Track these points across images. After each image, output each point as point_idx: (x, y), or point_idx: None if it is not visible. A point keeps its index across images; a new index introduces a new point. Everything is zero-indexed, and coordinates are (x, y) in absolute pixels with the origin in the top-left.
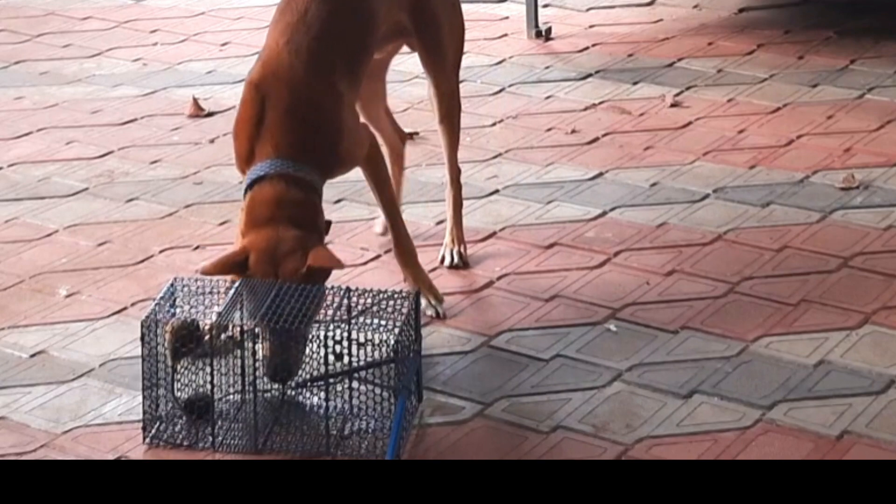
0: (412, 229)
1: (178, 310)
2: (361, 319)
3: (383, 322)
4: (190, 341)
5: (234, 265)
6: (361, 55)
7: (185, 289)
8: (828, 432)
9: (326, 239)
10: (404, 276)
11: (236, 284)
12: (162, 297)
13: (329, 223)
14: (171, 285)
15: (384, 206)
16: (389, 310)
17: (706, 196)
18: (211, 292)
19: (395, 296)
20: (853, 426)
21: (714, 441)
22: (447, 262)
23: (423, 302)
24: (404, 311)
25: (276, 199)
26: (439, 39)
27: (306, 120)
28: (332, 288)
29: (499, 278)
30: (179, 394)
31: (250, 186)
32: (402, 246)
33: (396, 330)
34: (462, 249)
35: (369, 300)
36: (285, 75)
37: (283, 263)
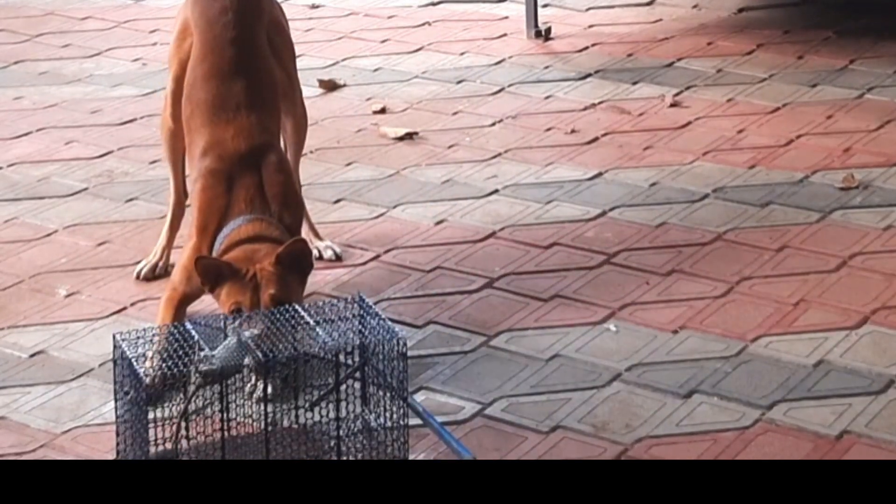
0: (411, 229)
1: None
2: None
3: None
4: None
5: (217, 270)
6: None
7: (126, 343)
8: (827, 432)
9: None
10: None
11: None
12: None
13: None
14: (116, 347)
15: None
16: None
17: (706, 196)
18: (152, 340)
19: (339, 301)
20: (853, 426)
21: (713, 441)
22: (328, 255)
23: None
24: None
25: (254, 233)
26: (291, 61)
27: (276, 193)
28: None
29: (498, 278)
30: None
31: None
32: None
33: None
34: (329, 242)
35: (314, 312)
36: (246, 161)
37: (259, 260)
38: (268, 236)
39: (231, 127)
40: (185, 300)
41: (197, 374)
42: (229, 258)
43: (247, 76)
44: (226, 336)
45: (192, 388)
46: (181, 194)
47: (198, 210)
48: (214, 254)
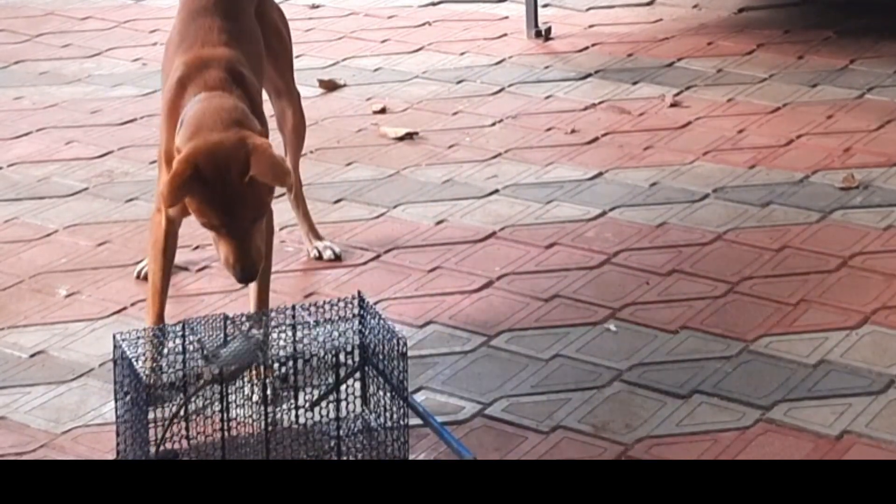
0: (411, 229)
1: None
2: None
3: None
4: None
5: (186, 182)
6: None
7: (126, 343)
8: (827, 432)
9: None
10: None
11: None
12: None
13: None
14: (116, 347)
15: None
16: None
17: (706, 196)
18: (153, 339)
19: (339, 302)
20: (853, 426)
21: (714, 441)
22: (327, 255)
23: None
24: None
25: (215, 118)
26: (289, 69)
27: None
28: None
29: (498, 278)
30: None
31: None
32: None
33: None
34: (329, 242)
35: (314, 311)
36: (214, 70)
37: (230, 167)
38: (232, 119)
39: (204, 45)
40: (170, 226)
41: (207, 373)
42: (191, 155)
43: (226, 15)
44: (226, 336)
45: (192, 388)
46: None
47: (163, 116)
48: (178, 143)
